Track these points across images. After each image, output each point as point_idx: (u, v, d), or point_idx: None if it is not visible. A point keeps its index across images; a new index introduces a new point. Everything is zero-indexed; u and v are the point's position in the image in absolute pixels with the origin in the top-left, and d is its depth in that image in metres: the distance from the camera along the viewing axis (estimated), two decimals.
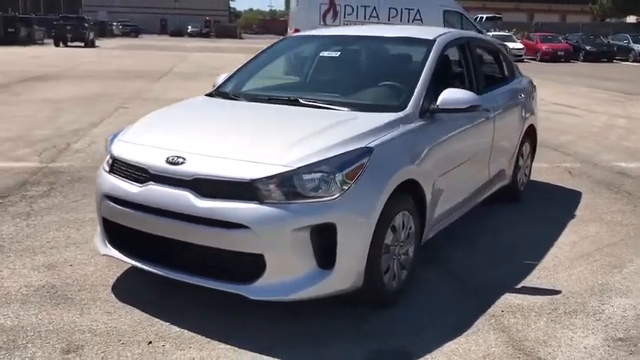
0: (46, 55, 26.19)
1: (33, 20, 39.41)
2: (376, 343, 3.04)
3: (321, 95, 3.94)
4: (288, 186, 2.93)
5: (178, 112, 3.97)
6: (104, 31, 52.14)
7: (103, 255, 3.47)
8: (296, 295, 2.96)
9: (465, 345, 3.05)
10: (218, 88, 4.36)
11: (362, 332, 3.13)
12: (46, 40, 37.84)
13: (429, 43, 4.14)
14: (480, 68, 4.69)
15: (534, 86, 5.98)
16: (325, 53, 4.51)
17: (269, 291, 2.96)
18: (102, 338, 2.99)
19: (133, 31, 61.69)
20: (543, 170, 6.89)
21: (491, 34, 34.45)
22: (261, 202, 2.91)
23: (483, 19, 45.03)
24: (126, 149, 3.38)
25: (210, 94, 4.25)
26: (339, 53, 4.47)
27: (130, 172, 3.24)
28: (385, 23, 14.80)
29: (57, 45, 35.04)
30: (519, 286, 3.77)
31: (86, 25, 36.34)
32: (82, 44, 34.91)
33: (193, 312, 3.24)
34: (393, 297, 3.42)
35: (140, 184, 3.17)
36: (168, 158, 3.11)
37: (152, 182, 3.12)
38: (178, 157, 3.10)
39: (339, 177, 2.99)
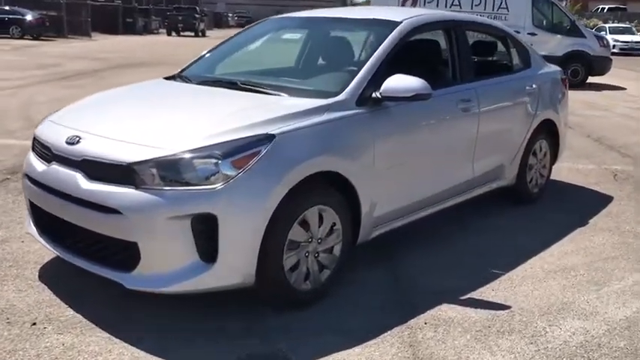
0: (152, 43, 27.66)
1: (150, 11, 41.92)
2: (256, 346, 2.81)
3: (264, 79, 3.73)
4: (167, 171, 2.77)
5: (116, 94, 3.92)
6: (220, 22, 54.34)
7: (27, 233, 3.50)
8: (172, 288, 2.80)
9: (354, 356, 2.74)
10: (181, 70, 4.26)
11: (248, 333, 2.91)
12: (160, 30, 40.04)
13: (391, 26, 3.77)
14: (466, 55, 4.22)
15: (562, 78, 5.33)
16: (287, 36, 4.27)
17: (144, 281, 2.82)
18: None
19: (247, 22, 63.69)
20: (585, 172, 6.20)
21: (607, 25, 31.92)
22: (137, 187, 2.77)
23: (604, 10, 41.83)
24: (44, 128, 3.38)
25: (168, 77, 4.17)
26: (299, 35, 4.22)
27: (42, 151, 3.23)
28: (467, 12, 14.04)
29: (169, 34, 37.00)
30: (465, 297, 3.36)
31: (197, 15, 38.02)
32: (193, 34, 36.57)
33: (99, 298, 3.16)
34: (307, 298, 3.16)
35: (47, 164, 3.14)
36: (68, 138, 3.06)
37: (54, 162, 3.08)
38: (76, 136, 3.04)
39: (224, 165, 2.78)
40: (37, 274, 3.48)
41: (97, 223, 2.87)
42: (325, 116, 3.18)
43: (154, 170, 2.76)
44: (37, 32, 27.08)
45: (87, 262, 2.99)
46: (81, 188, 2.88)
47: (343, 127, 3.24)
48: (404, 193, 3.67)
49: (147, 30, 38.21)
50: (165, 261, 2.80)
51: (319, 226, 3.14)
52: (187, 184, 2.76)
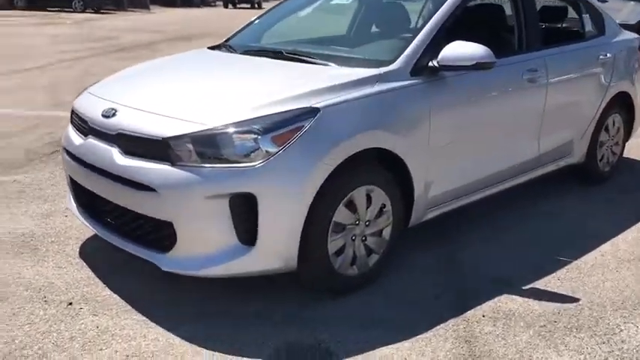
0: (208, 15, 27.72)
1: None
2: (296, 335, 2.61)
3: (311, 47, 3.48)
4: (205, 147, 2.58)
5: (157, 64, 3.75)
6: None
7: (67, 208, 3.42)
8: (209, 272, 2.63)
9: (403, 352, 2.51)
10: (226, 40, 4.06)
11: (287, 320, 2.72)
12: (217, 2, 40.14)
13: None
14: (533, 21, 3.83)
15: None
16: (337, 1, 3.98)
17: (180, 263, 2.66)
18: (31, 293, 2.93)
19: None
20: None
21: None
22: (173, 164, 2.59)
23: None
24: (82, 100, 3.24)
25: (212, 47, 3.97)
26: (350, 1, 3.92)
27: (79, 124, 3.10)
28: None
29: (226, 7, 37.07)
30: (527, 287, 3.06)
31: None
32: (249, 6, 36.44)
33: (137, 278, 3.04)
34: (352, 284, 2.94)
35: (84, 137, 3.01)
36: (103, 110, 2.91)
37: (91, 135, 2.95)
38: (112, 109, 2.89)
39: (265, 141, 2.56)
40: (78, 250, 3.39)
41: (132, 200, 2.72)
42: (376, 87, 2.91)
43: (191, 146, 2.58)
44: (97, 5, 27.73)
45: (123, 242, 2.85)
46: (116, 164, 2.73)
47: (396, 100, 2.96)
48: (461, 172, 3.37)
49: (204, 2, 38.44)
50: (202, 243, 2.63)
51: (367, 208, 2.90)
52: (226, 160, 2.56)
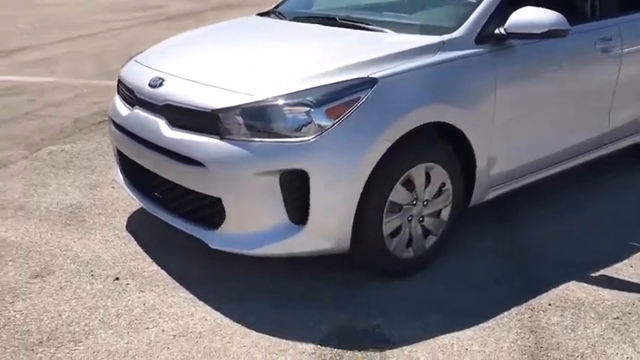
0: None
1: None
2: (348, 320, 2.48)
3: (366, 13, 3.28)
4: (255, 120, 2.43)
5: (205, 32, 3.59)
6: None
7: (114, 180, 3.35)
8: (258, 251, 2.51)
9: (464, 341, 2.35)
10: (276, 6, 3.88)
11: (339, 304, 2.58)
12: None
13: None
14: None
15: None
16: None
17: (229, 241, 2.54)
18: (78, 267, 2.88)
19: None
20: None
21: None
22: (222, 138, 2.46)
23: None
24: (128, 69, 3.14)
25: (262, 13, 3.80)
26: None
27: (126, 94, 3.00)
28: None
29: None
30: (597, 274, 2.84)
31: None
32: None
33: (185, 254, 2.94)
34: (408, 267, 2.78)
35: (130, 108, 2.91)
36: (150, 80, 2.79)
37: (137, 106, 2.84)
38: (159, 78, 2.77)
39: (318, 114, 2.40)
40: (125, 223, 3.33)
41: (180, 174, 2.61)
42: (437, 56, 2.70)
43: (240, 119, 2.44)
44: None
45: (171, 217, 2.76)
46: (163, 136, 2.62)
47: (459, 70, 2.75)
48: (527, 148, 3.13)
49: None
50: (251, 221, 2.50)
51: (426, 187, 2.72)
52: (276, 135, 2.41)
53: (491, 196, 3.09)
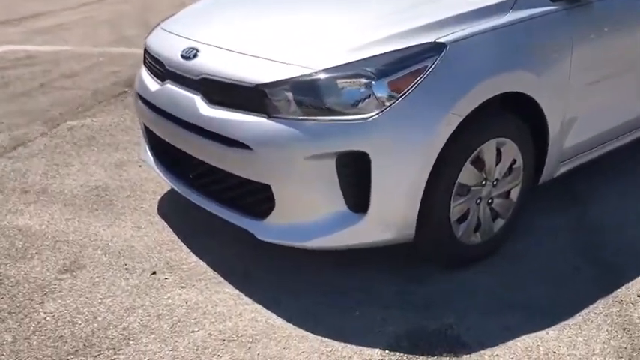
0: None
1: None
2: (415, 318, 2.21)
3: None
4: (306, 95, 2.12)
5: None
6: None
7: (141, 160, 3.07)
8: (313, 243, 2.23)
9: (549, 343, 2.08)
10: None
11: (402, 300, 2.31)
12: None
13: None
14: None
15: None
16: None
17: (280, 232, 2.26)
18: (110, 259, 2.63)
19: None
20: None
21: None
22: (269, 116, 2.16)
23: None
24: (155, 38, 2.82)
25: None
26: None
27: (154, 66, 2.69)
28: None
29: None
30: None
31: None
32: None
33: (228, 244, 2.67)
34: (475, 254, 2.50)
35: (160, 82, 2.61)
36: (183, 50, 2.47)
37: (169, 80, 2.54)
38: (192, 48, 2.45)
39: (379, 87, 2.08)
40: (156, 207, 3.07)
41: (220, 158, 2.32)
42: (510, 15, 2.35)
43: (290, 94, 2.13)
44: None
45: (210, 203, 2.48)
46: (201, 114, 2.32)
47: (535, 30, 2.40)
48: (604, 115, 2.81)
49: None
50: (304, 209, 2.22)
51: (496, 165, 2.41)
52: (331, 112, 2.11)
53: (562, 170, 2.78)
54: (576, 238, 2.71)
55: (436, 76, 2.12)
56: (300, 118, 2.11)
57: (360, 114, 2.08)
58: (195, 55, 2.40)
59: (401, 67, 2.10)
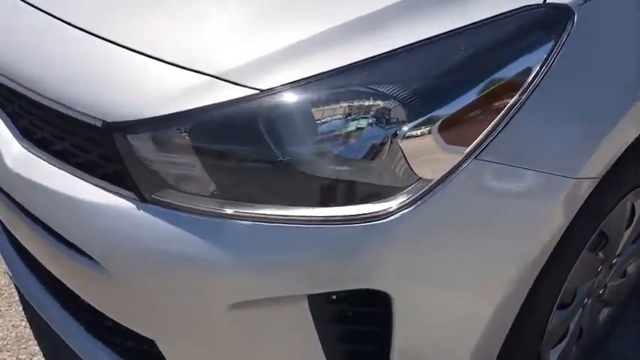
0: None
1: None
2: None
3: None
4: (231, 147, 0.84)
5: None
6: None
7: None
8: None
9: None
10: None
11: None
12: None
13: None
14: None
15: None
16: None
17: None
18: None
19: None
20: None
21: None
22: (145, 199, 0.86)
23: None
24: None
25: None
26: None
27: None
28: None
29: None
30: None
31: None
32: None
33: None
34: None
35: None
36: None
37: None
38: None
39: (410, 132, 0.80)
40: None
41: (65, 268, 1.06)
42: None
43: (188, 142, 0.82)
44: None
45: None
46: (8, 170, 1.01)
47: None
48: None
49: None
50: None
51: (625, 229, 1.21)
52: (293, 198, 0.83)
53: None
54: None
55: (552, 89, 0.85)
56: (222, 210, 0.84)
57: (371, 204, 0.82)
58: None
59: (459, 85, 0.82)
